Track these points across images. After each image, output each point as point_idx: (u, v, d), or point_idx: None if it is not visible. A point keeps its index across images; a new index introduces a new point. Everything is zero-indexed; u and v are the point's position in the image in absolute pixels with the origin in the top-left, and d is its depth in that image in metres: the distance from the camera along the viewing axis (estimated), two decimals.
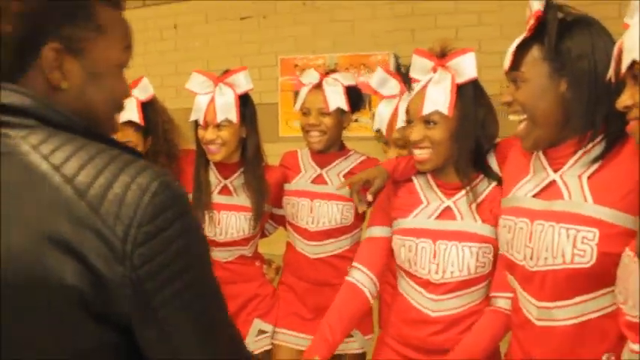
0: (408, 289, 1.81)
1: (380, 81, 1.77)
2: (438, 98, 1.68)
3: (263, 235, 2.50)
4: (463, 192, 1.76)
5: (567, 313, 1.42)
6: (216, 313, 0.89)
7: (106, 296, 0.77)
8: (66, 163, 0.80)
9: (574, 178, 1.44)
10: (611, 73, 1.27)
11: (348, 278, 1.86)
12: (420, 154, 1.73)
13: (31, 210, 0.78)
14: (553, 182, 1.47)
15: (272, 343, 2.37)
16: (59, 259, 0.75)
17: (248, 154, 2.27)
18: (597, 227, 1.35)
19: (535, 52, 1.44)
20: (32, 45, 0.85)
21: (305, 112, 2.32)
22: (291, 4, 4.14)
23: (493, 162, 1.77)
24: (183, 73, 3.23)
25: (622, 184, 1.36)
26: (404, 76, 1.97)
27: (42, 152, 0.81)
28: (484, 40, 3.60)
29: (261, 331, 2.35)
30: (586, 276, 1.37)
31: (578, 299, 1.41)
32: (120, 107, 0.99)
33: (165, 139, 2.24)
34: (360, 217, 2.32)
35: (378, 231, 1.87)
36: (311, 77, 2.36)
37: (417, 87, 1.75)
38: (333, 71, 2.42)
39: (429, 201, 1.79)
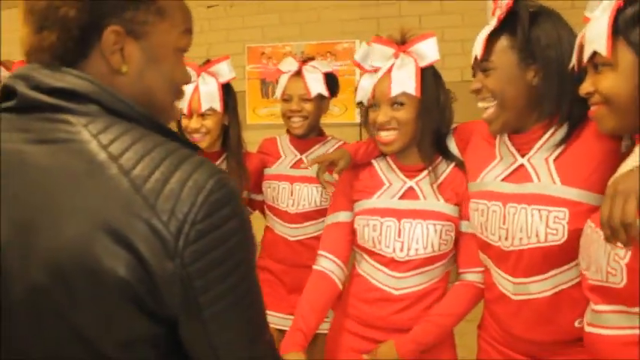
0: (369, 269, 1.84)
1: (363, 55, 1.84)
2: (405, 80, 1.73)
3: None
4: (424, 173, 1.82)
5: (542, 286, 1.52)
6: (258, 314, 0.88)
7: (154, 290, 0.76)
8: (124, 154, 0.79)
9: (541, 161, 1.53)
10: (574, 61, 1.38)
11: (315, 267, 1.87)
12: (387, 135, 1.77)
13: (89, 199, 0.77)
14: (521, 166, 1.56)
15: None
16: (114, 250, 0.75)
17: (231, 142, 2.31)
18: (567, 207, 1.45)
19: (504, 42, 1.52)
20: (94, 28, 0.85)
21: (286, 99, 2.39)
22: None
23: (451, 145, 1.83)
24: None
25: (586, 164, 1.46)
26: None
27: (101, 142, 0.80)
28: (446, 28, 3.72)
29: None
30: (558, 252, 1.48)
31: (551, 273, 1.51)
32: (179, 93, 0.98)
33: None
34: None
35: (341, 216, 1.89)
36: (290, 65, 2.43)
37: (379, 72, 1.78)
38: (311, 59, 2.49)
39: (391, 182, 1.83)
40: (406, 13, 3.71)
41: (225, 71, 2.26)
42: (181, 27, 0.93)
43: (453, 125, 1.85)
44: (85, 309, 0.77)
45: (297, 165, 2.43)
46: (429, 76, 1.76)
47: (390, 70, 1.76)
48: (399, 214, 1.79)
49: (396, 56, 1.76)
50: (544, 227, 1.49)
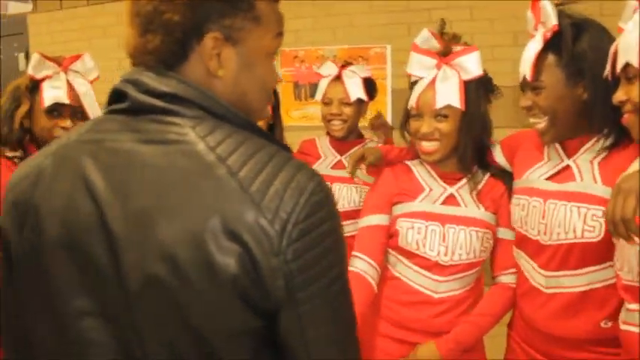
0: (407, 272, 1.85)
1: (423, 40, 1.86)
2: (449, 93, 1.74)
3: None
4: (464, 181, 1.85)
5: (576, 281, 1.59)
6: (350, 313, 0.91)
7: (260, 285, 0.80)
8: (230, 156, 0.83)
9: (586, 162, 1.60)
10: (607, 71, 1.44)
11: (351, 268, 1.82)
12: (429, 146, 1.79)
13: (201, 197, 0.81)
14: (567, 167, 1.63)
15: None
16: (225, 245, 0.79)
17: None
18: (605, 205, 1.47)
19: (551, 60, 1.57)
20: (196, 33, 0.89)
21: (327, 102, 2.50)
22: None
23: (497, 154, 1.86)
24: None
25: (626, 168, 1.50)
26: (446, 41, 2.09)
27: (209, 143, 0.84)
28: (476, 34, 3.78)
29: None
30: (594, 249, 1.54)
31: (586, 269, 1.58)
32: (270, 95, 1.01)
33: None
34: None
35: (376, 219, 1.88)
36: (330, 69, 2.53)
37: (422, 82, 1.79)
38: (349, 64, 2.59)
39: (432, 188, 1.85)
40: (437, 18, 3.78)
41: None
42: (274, 31, 0.96)
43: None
44: (197, 300, 0.80)
45: (336, 166, 2.52)
46: (472, 88, 1.77)
47: (433, 82, 1.77)
48: (442, 219, 1.81)
49: (438, 67, 1.77)
50: (582, 224, 1.55)
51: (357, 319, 1.36)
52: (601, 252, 1.54)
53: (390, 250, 1.88)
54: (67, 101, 1.96)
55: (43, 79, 1.98)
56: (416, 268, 1.83)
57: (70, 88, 1.99)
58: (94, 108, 2.02)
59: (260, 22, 0.93)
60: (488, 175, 1.87)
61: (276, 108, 2.42)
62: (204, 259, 0.79)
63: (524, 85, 1.64)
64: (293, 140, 2.68)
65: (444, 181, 1.86)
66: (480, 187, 1.85)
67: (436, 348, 1.78)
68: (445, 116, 1.77)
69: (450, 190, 1.84)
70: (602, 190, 1.54)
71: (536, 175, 1.70)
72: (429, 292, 1.82)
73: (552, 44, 1.57)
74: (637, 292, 1.35)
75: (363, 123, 2.63)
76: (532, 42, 1.60)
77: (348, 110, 2.47)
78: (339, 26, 3.98)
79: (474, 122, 1.78)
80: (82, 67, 2.06)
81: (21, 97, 1.98)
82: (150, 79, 0.89)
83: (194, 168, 0.83)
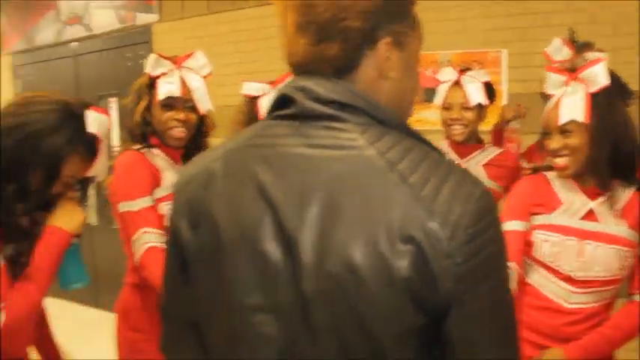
0: (541, 281, 1.88)
1: (555, 49, 1.91)
2: (573, 108, 1.76)
3: None
4: (604, 196, 1.83)
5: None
6: (512, 315, 0.92)
7: (430, 286, 0.82)
8: (400, 162, 0.86)
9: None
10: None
11: None
12: (560, 161, 1.82)
13: (376, 201, 0.84)
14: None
15: None
16: (399, 248, 0.81)
17: None
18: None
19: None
20: (371, 39, 0.92)
21: (447, 107, 2.55)
22: None
23: None
24: None
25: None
26: (578, 49, 2.13)
27: (379, 149, 0.87)
28: (596, 38, 3.69)
29: None
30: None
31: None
32: (417, 97, 1.05)
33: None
34: None
35: (515, 225, 1.89)
36: (449, 75, 2.58)
37: (552, 100, 1.83)
38: (468, 69, 2.63)
39: (571, 202, 1.85)
40: (555, 22, 3.73)
41: None
42: (422, 35, 1.01)
43: None
44: (372, 302, 0.83)
45: None
46: (600, 100, 1.76)
47: (559, 99, 1.80)
48: (580, 234, 1.82)
49: (567, 84, 1.80)
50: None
51: None
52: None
53: (525, 258, 1.91)
54: (178, 94, 2.13)
55: (159, 76, 2.17)
56: (550, 277, 1.87)
57: (183, 83, 2.17)
58: (205, 102, 2.19)
59: (415, 26, 0.98)
60: (633, 189, 1.84)
61: None
62: (380, 262, 0.82)
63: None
64: None
65: (585, 196, 1.86)
66: (622, 202, 1.84)
67: (564, 353, 1.79)
68: (571, 131, 1.78)
69: (591, 204, 1.84)
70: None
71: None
72: (560, 301, 1.85)
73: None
74: None
75: (483, 127, 2.65)
76: None
77: (468, 115, 2.51)
78: (453, 31, 3.99)
79: (606, 134, 1.76)
80: (194, 64, 2.22)
81: (141, 93, 2.18)
82: (320, 87, 0.92)
83: (366, 172, 0.86)
